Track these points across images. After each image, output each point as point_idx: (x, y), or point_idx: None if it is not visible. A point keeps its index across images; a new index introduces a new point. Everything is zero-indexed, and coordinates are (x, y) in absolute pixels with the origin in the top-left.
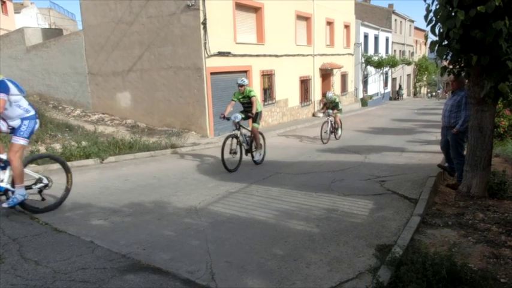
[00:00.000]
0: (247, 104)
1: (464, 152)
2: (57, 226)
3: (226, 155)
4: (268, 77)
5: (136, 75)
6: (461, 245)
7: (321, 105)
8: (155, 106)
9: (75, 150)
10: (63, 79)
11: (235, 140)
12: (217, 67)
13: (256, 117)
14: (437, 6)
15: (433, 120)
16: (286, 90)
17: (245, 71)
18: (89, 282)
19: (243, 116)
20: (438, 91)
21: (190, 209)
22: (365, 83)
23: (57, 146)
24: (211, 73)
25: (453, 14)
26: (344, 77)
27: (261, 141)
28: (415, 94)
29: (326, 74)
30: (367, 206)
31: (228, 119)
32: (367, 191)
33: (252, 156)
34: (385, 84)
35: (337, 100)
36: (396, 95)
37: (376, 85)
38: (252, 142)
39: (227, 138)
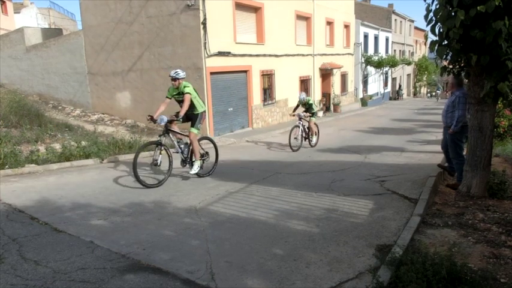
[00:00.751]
0: (182, 102)
1: (464, 152)
2: (56, 226)
3: (149, 166)
4: (268, 77)
5: (136, 75)
6: (461, 245)
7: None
8: (155, 106)
9: (75, 150)
10: (63, 79)
11: (158, 148)
12: (217, 67)
13: (195, 120)
14: (437, 6)
15: (433, 120)
16: (286, 90)
17: (245, 71)
18: (89, 282)
19: (181, 119)
20: (437, 91)
21: (190, 209)
22: (365, 82)
23: (57, 146)
24: (211, 73)
25: (453, 13)
26: (344, 76)
27: (205, 151)
28: (415, 94)
29: (326, 73)
30: (367, 206)
31: (155, 121)
32: (367, 191)
33: (192, 167)
34: (385, 84)
35: (310, 102)
36: (396, 95)
37: (376, 85)
38: (191, 151)
39: (146, 145)
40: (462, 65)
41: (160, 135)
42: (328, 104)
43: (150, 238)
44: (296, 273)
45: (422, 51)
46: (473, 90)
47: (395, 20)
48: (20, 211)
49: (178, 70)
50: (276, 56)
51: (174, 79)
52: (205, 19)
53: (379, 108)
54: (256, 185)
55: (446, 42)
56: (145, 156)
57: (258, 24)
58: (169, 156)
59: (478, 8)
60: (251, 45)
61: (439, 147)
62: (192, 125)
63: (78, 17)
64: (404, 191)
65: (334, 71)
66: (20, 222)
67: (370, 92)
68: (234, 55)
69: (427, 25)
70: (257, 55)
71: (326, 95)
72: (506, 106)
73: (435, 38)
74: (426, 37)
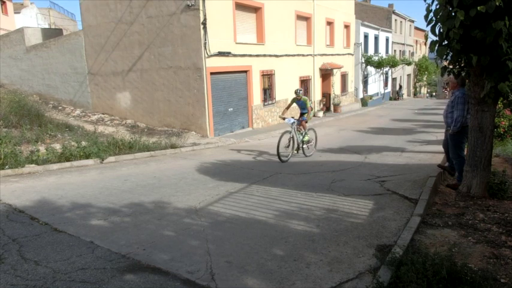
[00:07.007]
0: None
1: (465, 152)
2: (56, 226)
3: None
4: (268, 77)
5: (136, 75)
6: (462, 245)
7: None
8: (155, 106)
9: (75, 150)
10: (63, 79)
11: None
12: (217, 67)
13: None
14: (437, 6)
15: (433, 120)
16: (286, 90)
17: (245, 71)
18: (89, 282)
19: None
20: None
21: (190, 209)
22: (365, 83)
23: (57, 146)
24: (211, 73)
25: (453, 14)
26: (344, 77)
27: None
28: (415, 94)
29: (326, 74)
30: (367, 206)
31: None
32: (367, 191)
33: None
34: (385, 84)
35: None
36: (396, 95)
37: (376, 85)
38: None
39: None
40: (462, 65)
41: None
42: (328, 104)
43: (150, 238)
44: (296, 273)
45: (422, 51)
46: (473, 90)
47: (396, 20)
48: (20, 211)
49: None
50: (276, 56)
51: None
52: (205, 19)
53: (379, 108)
54: (256, 185)
55: (446, 42)
56: None
57: (258, 25)
58: None
59: (478, 8)
60: (251, 45)
61: (439, 148)
62: None
63: (78, 17)
64: (405, 191)
65: (334, 71)
66: (20, 222)
67: (370, 92)
68: (234, 55)
69: (427, 25)
70: (257, 55)
71: (326, 95)
72: (506, 106)
73: (435, 38)
74: (426, 37)
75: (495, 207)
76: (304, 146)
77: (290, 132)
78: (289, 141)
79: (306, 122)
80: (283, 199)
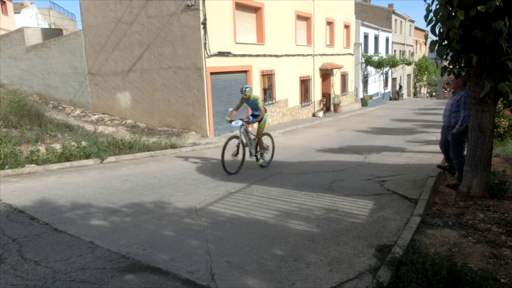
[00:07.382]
0: None
1: (465, 152)
2: (56, 226)
3: None
4: (268, 77)
5: (136, 75)
6: (462, 245)
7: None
8: (155, 106)
9: (75, 150)
10: (63, 79)
11: None
12: (217, 67)
13: None
14: (437, 6)
15: (433, 120)
16: (286, 90)
17: (245, 71)
18: (89, 282)
19: None
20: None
21: (190, 209)
22: (365, 83)
23: (57, 146)
24: (211, 73)
25: (453, 14)
26: (344, 77)
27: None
28: (415, 94)
29: (326, 74)
30: (367, 206)
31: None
32: (367, 191)
33: None
34: (385, 84)
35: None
36: (396, 95)
37: (376, 85)
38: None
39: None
40: (462, 65)
41: None
42: (328, 104)
43: (150, 238)
44: (296, 273)
45: (422, 51)
46: (473, 90)
47: (396, 20)
48: (20, 211)
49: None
50: (276, 56)
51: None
52: (205, 19)
53: (379, 108)
54: (256, 185)
55: (446, 42)
56: None
57: (258, 25)
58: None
59: (478, 8)
60: (251, 45)
61: (439, 147)
62: None
63: (78, 17)
64: (405, 191)
65: (334, 71)
66: (20, 222)
67: (370, 92)
68: (234, 55)
69: (427, 25)
70: (257, 55)
71: (326, 95)
72: (506, 106)
73: (435, 38)
74: (426, 37)
75: (495, 207)
76: (258, 154)
77: (238, 138)
78: (238, 148)
79: (259, 123)
80: (283, 199)
